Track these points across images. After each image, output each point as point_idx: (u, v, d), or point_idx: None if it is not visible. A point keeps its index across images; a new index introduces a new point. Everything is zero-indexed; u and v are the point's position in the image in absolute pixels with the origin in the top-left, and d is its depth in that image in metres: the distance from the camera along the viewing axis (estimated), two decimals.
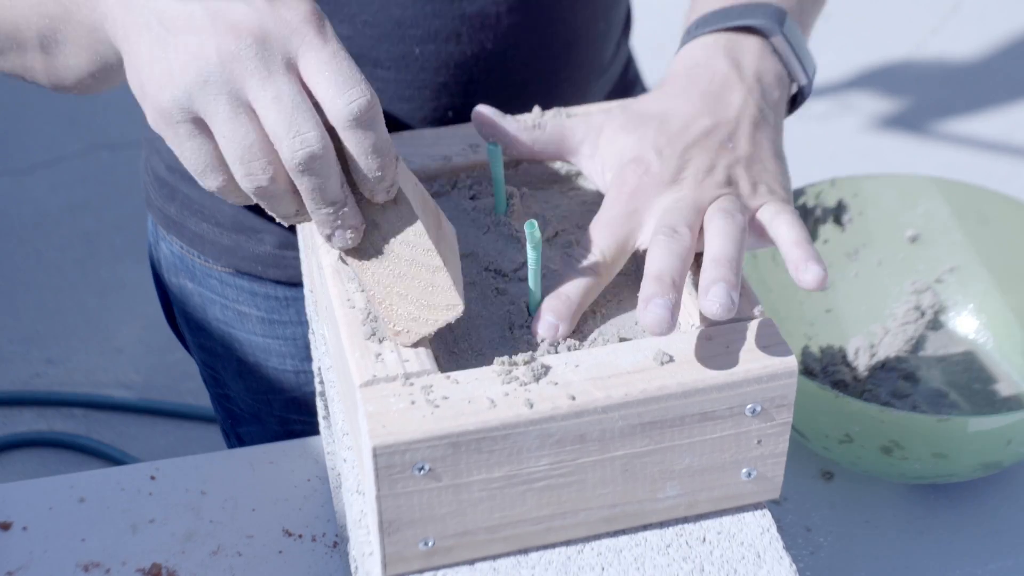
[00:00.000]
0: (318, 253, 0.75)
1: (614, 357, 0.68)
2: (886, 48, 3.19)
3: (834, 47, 3.17)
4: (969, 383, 1.06)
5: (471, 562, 0.70)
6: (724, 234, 0.72)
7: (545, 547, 0.71)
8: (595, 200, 0.82)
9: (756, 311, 0.72)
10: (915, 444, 0.90)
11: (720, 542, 0.71)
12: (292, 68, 0.66)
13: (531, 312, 0.74)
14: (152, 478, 0.96)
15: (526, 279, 0.76)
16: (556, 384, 0.67)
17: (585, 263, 0.74)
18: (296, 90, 0.65)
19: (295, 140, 0.65)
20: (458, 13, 0.94)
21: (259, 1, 0.67)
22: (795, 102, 0.88)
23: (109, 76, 0.76)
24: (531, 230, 0.70)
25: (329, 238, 0.69)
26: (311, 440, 1.00)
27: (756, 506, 0.74)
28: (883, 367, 1.07)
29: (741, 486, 0.72)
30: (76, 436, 2.15)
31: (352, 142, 0.66)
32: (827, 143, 2.84)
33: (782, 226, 0.75)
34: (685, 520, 0.73)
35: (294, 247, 1.04)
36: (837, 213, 1.10)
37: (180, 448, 2.15)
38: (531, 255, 0.71)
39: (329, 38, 0.66)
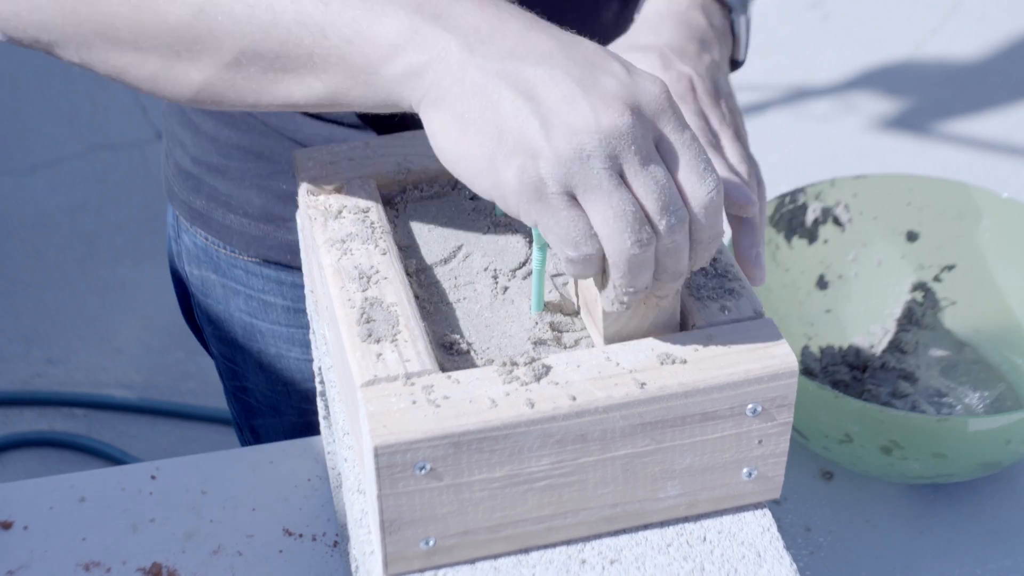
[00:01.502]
0: (318, 253, 0.75)
1: (615, 357, 0.68)
2: (886, 48, 3.20)
3: (834, 47, 3.18)
4: (969, 383, 1.06)
5: (472, 561, 0.70)
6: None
7: (546, 546, 0.71)
8: None
9: (756, 311, 0.72)
10: (915, 444, 0.90)
11: (720, 541, 0.72)
12: (659, 145, 0.65)
13: (533, 311, 0.74)
14: (152, 478, 0.97)
15: (526, 279, 0.76)
16: (557, 384, 0.67)
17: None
18: (667, 173, 0.64)
19: (672, 217, 0.64)
20: None
21: (622, 73, 0.64)
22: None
23: (330, 106, 0.71)
24: (538, 232, 0.70)
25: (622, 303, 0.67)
26: (311, 440, 1.00)
27: (756, 506, 0.74)
28: (883, 367, 1.07)
29: (742, 486, 0.72)
30: (76, 436, 2.15)
31: (703, 224, 0.65)
32: (827, 143, 2.84)
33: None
34: (686, 519, 0.73)
35: None
36: (837, 213, 1.10)
37: (180, 448, 2.15)
38: (536, 256, 0.71)
39: (684, 121, 0.65)
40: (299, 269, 1.08)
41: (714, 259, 0.75)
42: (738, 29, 0.94)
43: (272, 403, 1.16)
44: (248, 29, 0.67)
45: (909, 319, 1.11)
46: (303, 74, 0.68)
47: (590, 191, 0.63)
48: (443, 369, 0.69)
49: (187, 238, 1.13)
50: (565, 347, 0.72)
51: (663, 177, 0.64)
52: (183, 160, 1.10)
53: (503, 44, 0.64)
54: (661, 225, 0.64)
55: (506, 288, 0.76)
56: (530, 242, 0.78)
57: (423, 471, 0.65)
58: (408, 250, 0.78)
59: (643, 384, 0.67)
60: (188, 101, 0.73)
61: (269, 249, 1.07)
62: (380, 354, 0.68)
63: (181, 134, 1.09)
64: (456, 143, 0.65)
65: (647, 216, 0.64)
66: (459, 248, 0.78)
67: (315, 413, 1.14)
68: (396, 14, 0.65)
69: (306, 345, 1.11)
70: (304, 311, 1.09)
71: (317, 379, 0.91)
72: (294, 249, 1.06)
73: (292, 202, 1.04)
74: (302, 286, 1.08)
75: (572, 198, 0.64)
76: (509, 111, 0.63)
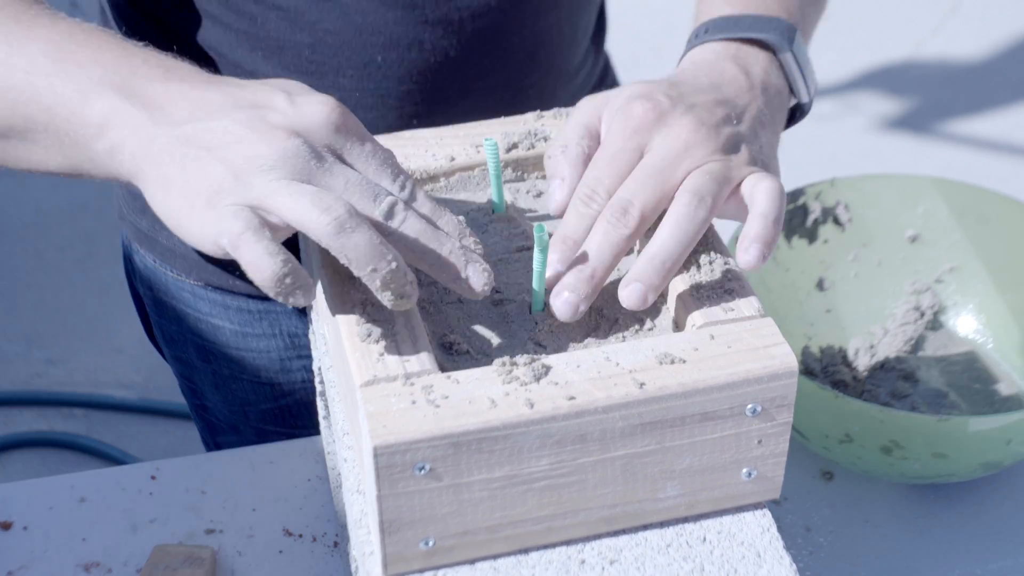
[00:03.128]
0: (318, 253, 0.75)
1: (614, 357, 0.68)
2: (886, 48, 3.20)
3: (834, 47, 3.17)
4: (969, 383, 1.06)
5: (472, 562, 0.70)
6: (676, 226, 0.72)
7: (545, 547, 0.71)
8: None
9: (756, 311, 0.72)
10: (915, 444, 0.90)
11: (720, 542, 0.72)
12: (340, 159, 0.70)
13: (533, 312, 0.74)
14: (152, 478, 0.97)
15: (528, 278, 0.76)
16: (557, 384, 0.67)
17: (598, 211, 0.73)
18: (355, 173, 0.69)
19: (385, 198, 0.69)
20: (420, 20, 0.94)
21: (285, 106, 0.71)
22: (793, 119, 0.88)
23: (77, 176, 0.78)
24: (539, 233, 0.70)
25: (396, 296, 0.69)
26: (311, 440, 1.00)
27: (756, 506, 0.74)
28: (883, 367, 1.07)
29: (741, 486, 0.72)
30: (76, 436, 2.15)
31: (411, 220, 0.69)
32: (827, 143, 2.84)
33: (760, 194, 0.74)
34: (685, 520, 0.73)
35: None
36: (837, 213, 1.10)
37: (180, 448, 2.15)
38: (537, 257, 0.71)
39: (363, 135, 0.71)
40: (244, 295, 1.07)
41: (712, 259, 0.75)
42: (788, 69, 0.85)
43: (231, 422, 1.15)
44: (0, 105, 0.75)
45: (909, 319, 1.11)
46: (48, 146, 0.76)
47: (271, 196, 0.67)
48: (443, 369, 0.69)
49: (137, 259, 1.13)
50: (565, 347, 0.72)
51: (352, 175, 0.69)
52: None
53: (182, 110, 0.71)
54: (375, 212, 0.68)
55: (506, 287, 0.76)
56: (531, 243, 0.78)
57: (423, 471, 0.65)
58: None
59: (642, 384, 0.67)
60: (6, 166, 0.80)
61: (211, 273, 1.06)
62: (380, 354, 0.68)
63: None
64: (163, 203, 0.71)
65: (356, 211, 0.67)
66: None
67: (273, 434, 1.13)
68: (101, 95, 0.72)
69: (257, 368, 1.10)
70: (253, 335, 1.08)
71: (317, 379, 0.91)
72: (235, 273, 1.05)
73: None
74: (248, 311, 1.08)
75: (268, 225, 0.67)
76: (193, 164, 0.69)
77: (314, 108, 0.71)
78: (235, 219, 0.66)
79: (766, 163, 0.78)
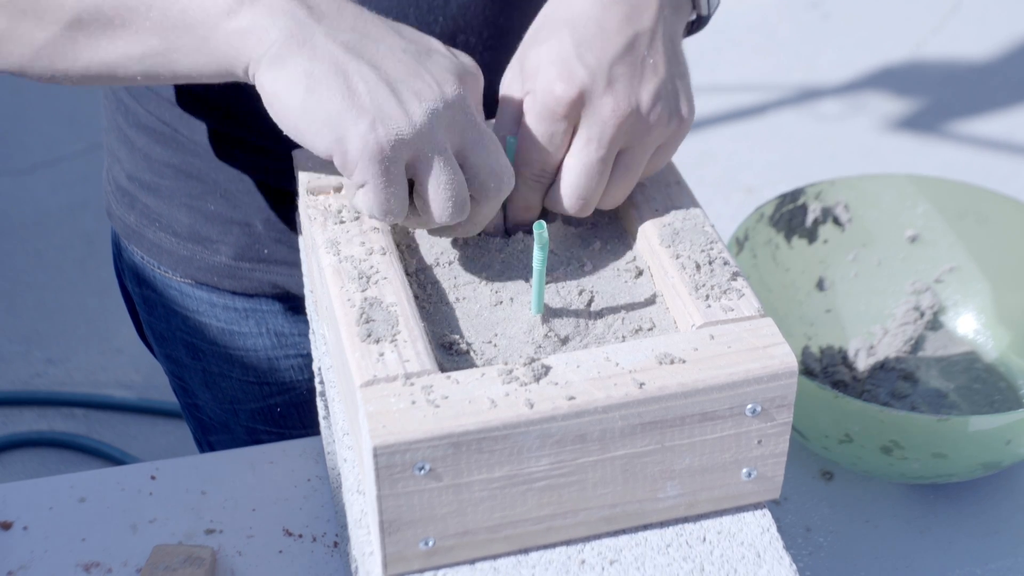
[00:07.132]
0: (318, 253, 0.75)
1: (614, 357, 0.68)
2: (886, 48, 3.20)
3: (834, 47, 3.18)
4: (969, 383, 1.06)
5: (471, 562, 0.70)
6: (619, 191, 0.77)
7: (545, 547, 0.71)
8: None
9: (756, 311, 0.72)
10: (915, 444, 0.90)
11: (720, 542, 0.72)
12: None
13: (533, 312, 0.74)
14: (152, 478, 0.97)
15: (528, 278, 0.76)
16: (556, 384, 0.67)
17: (535, 181, 0.77)
18: (494, 138, 0.72)
19: (502, 182, 0.72)
20: None
21: (445, 50, 0.72)
22: (691, 30, 0.84)
23: (153, 73, 0.74)
24: (539, 231, 0.70)
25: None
26: (311, 440, 1.00)
27: (756, 506, 0.74)
28: (883, 367, 1.07)
29: (741, 486, 0.72)
30: (76, 436, 2.15)
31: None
32: (827, 143, 2.84)
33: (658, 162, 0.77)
34: (685, 520, 0.73)
35: (250, 259, 1.04)
36: (837, 213, 1.10)
37: (180, 448, 2.15)
38: (537, 255, 0.71)
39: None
40: (229, 292, 1.06)
41: (712, 259, 0.75)
42: None
43: (222, 420, 1.15)
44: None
45: (909, 319, 1.11)
46: (140, 30, 0.71)
47: (428, 161, 0.69)
48: (443, 369, 0.69)
49: (126, 256, 1.12)
50: (565, 347, 0.72)
51: (493, 145, 0.71)
52: (119, 176, 1.09)
53: (345, 20, 0.70)
54: (490, 187, 0.72)
55: (506, 287, 0.76)
56: (531, 242, 0.78)
57: (422, 471, 0.65)
58: (408, 250, 0.78)
59: (642, 384, 0.67)
60: (23, 66, 0.74)
61: (197, 270, 1.06)
62: (380, 354, 0.68)
63: (118, 149, 1.08)
64: (303, 99, 0.67)
65: (477, 179, 0.71)
66: (459, 248, 0.78)
67: (263, 433, 1.12)
68: None
69: (246, 367, 1.10)
70: (240, 333, 1.08)
71: (317, 379, 0.91)
72: (221, 272, 1.05)
73: (220, 223, 1.03)
74: (235, 309, 1.07)
75: (404, 169, 0.69)
76: (358, 76, 0.67)
77: (466, 58, 0.73)
78: (393, 185, 0.69)
79: (683, 102, 0.77)
